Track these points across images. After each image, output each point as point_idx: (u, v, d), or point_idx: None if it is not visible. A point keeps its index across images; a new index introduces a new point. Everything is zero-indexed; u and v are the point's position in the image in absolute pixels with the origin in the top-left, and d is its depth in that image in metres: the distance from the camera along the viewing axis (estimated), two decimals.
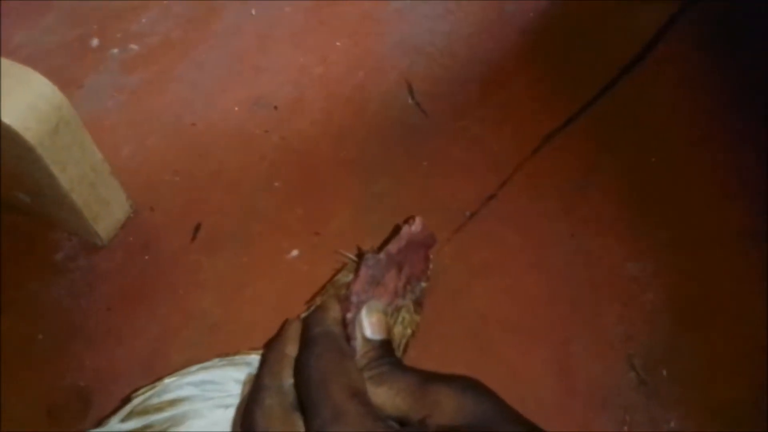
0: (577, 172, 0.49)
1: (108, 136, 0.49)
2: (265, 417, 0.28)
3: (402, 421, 0.28)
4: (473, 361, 0.41)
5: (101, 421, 0.34)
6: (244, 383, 0.32)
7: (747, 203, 0.48)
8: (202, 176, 0.49)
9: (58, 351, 0.41)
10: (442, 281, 0.43)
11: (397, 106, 0.53)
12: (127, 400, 0.33)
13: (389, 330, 0.33)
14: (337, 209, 0.47)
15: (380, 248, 0.36)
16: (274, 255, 0.45)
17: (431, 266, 0.38)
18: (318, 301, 0.35)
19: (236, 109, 0.52)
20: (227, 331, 0.42)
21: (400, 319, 0.35)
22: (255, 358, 0.33)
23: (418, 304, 0.37)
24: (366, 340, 0.31)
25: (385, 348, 0.31)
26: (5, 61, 0.36)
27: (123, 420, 0.32)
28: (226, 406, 0.31)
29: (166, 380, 0.33)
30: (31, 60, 0.41)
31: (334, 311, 0.33)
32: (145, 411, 0.32)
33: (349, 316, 0.32)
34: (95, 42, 0.56)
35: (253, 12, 0.59)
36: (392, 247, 0.35)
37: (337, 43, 0.57)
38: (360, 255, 0.35)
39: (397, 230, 0.36)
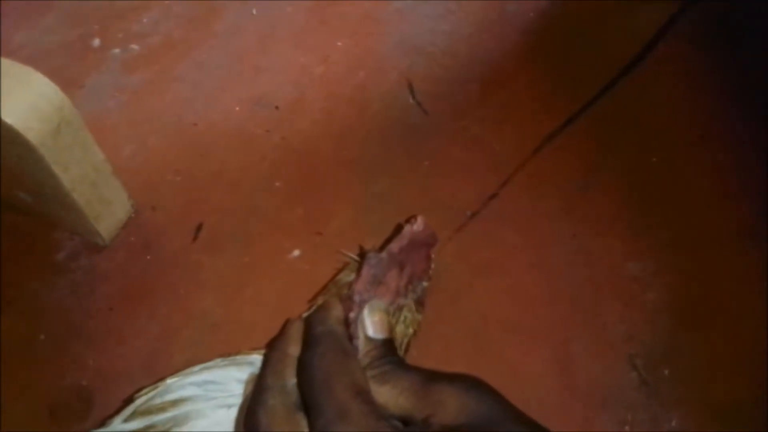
0: (577, 172, 0.49)
1: (109, 135, 0.49)
2: (268, 417, 0.28)
3: (405, 420, 0.28)
4: (474, 360, 0.41)
5: (104, 421, 0.34)
6: (247, 383, 0.32)
7: (747, 203, 0.48)
8: (203, 176, 0.49)
9: (60, 351, 0.41)
10: (443, 281, 0.43)
11: (398, 106, 0.53)
12: (129, 400, 0.33)
13: (391, 329, 0.33)
14: (338, 209, 0.47)
15: (382, 247, 0.36)
16: (275, 255, 0.45)
17: (433, 265, 0.38)
18: (320, 300, 0.35)
19: (237, 108, 0.52)
20: (228, 331, 0.42)
21: (402, 318, 0.35)
22: (257, 358, 0.33)
23: (420, 303, 0.37)
24: (368, 339, 0.31)
25: (387, 347, 0.31)
26: (7, 61, 0.36)
27: (126, 420, 0.32)
28: (229, 406, 0.31)
29: (169, 380, 0.33)
30: (32, 60, 0.41)
31: (337, 310, 0.33)
32: (147, 411, 0.32)
33: (351, 315, 0.32)
34: (96, 42, 0.56)
35: (254, 12, 0.59)
36: (394, 246, 0.35)
37: (338, 43, 0.57)
38: (362, 254, 0.35)
39: (398, 229, 0.36)
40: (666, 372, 0.41)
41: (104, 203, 0.42)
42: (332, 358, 0.29)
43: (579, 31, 0.58)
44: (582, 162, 0.50)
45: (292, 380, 0.30)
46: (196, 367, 0.34)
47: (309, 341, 0.31)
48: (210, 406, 0.31)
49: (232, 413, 0.31)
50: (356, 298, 0.33)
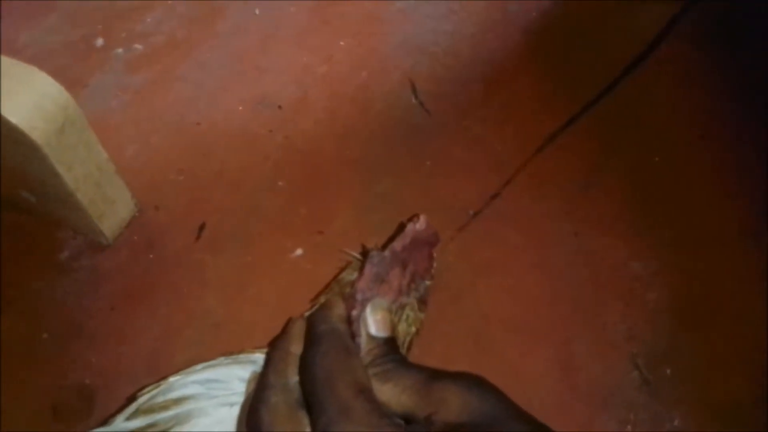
0: (579, 171, 0.49)
1: (113, 135, 0.50)
2: (271, 415, 0.28)
3: (407, 419, 0.28)
4: (475, 360, 0.41)
5: (107, 420, 0.34)
6: (249, 381, 0.32)
7: (748, 203, 0.48)
8: (206, 175, 0.49)
9: (62, 350, 0.41)
10: (445, 280, 0.43)
11: (401, 106, 0.53)
12: (132, 398, 0.33)
13: (394, 328, 0.33)
14: (340, 208, 0.47)
15: (384, 246, 0.36)
16: (277, 254, 0.45)
17: (435, 265, 0.38)
18: (322, 299, 0.35)
19: (240, 108, 0.53)
20: (230, 330, 0.42)
21: (404, 317, 0.35)
22: (260, 357, 0.33)
23: (423, 302, 0.37)
24: (371, 337, 0.31)
25: (389, 345, 0.31)
26: (11, 61, 0.36)
27: (128, 418, 0.32)
28: (231, 405, 0.31)
29: (171, 379, 0.33)
30: (36, 60, 0.41)
31: (339, 309, 0.33)
32: (150, 409, 0.32)
33: (353, 313, 0.32)
34: (100, 42, 0.56)
35: (257, 12, 0.59)
36: (397, 244, 0.35)
37: (341, 43, 0.57)
38: (364, 253, 0.35)
39: (401, 228, 0.36)
40: (667, 371, 0.41)
41: (107, 202, 0.43)
42: (334, 357, 0.29)
43: (580, 31, 0.58)
44: (583, 162, 0.50)
45: (294, 378, 0.30)
46: (199, 366, 0.34)
47: (311, 340, 0.31)
48: (212, 404, 0.31)
49: (235, 411, 0.31)
50: (359, 296, 0.33)
